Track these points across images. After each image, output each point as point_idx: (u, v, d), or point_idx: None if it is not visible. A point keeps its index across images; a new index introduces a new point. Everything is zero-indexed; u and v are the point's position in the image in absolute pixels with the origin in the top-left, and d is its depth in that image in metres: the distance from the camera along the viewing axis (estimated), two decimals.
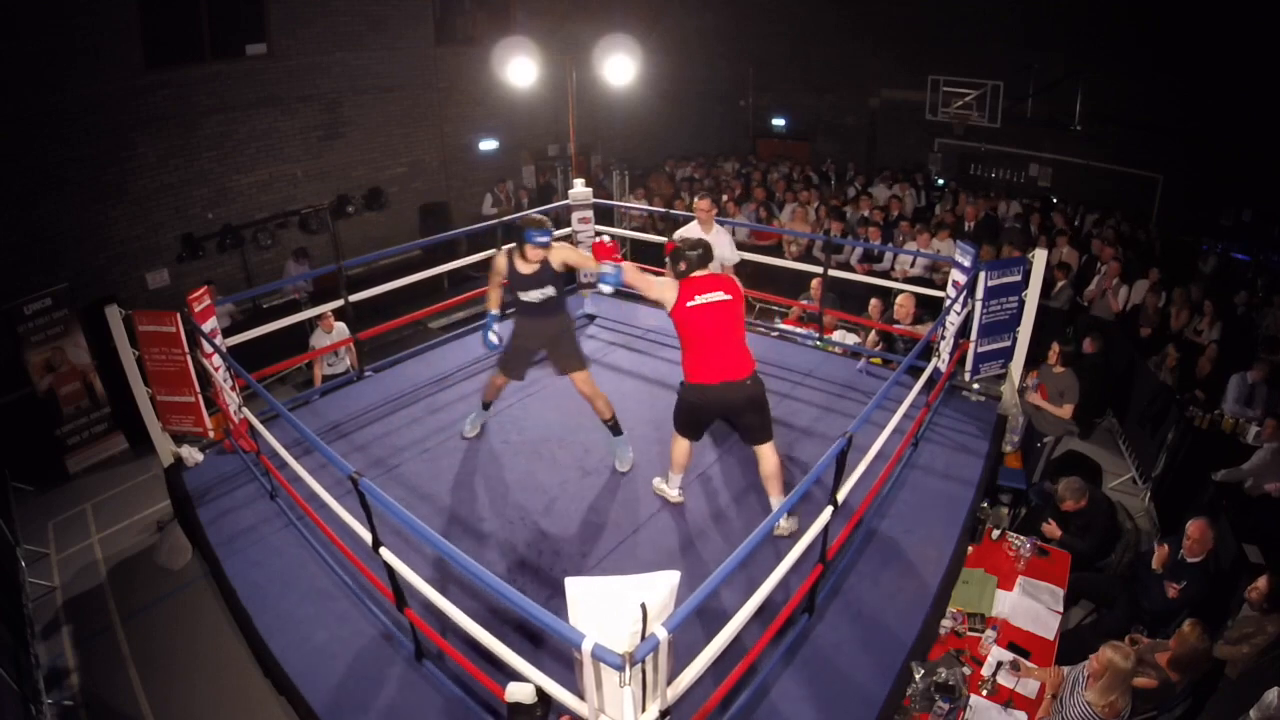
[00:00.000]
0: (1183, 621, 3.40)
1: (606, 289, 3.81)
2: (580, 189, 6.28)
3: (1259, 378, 5.57)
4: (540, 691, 2.69)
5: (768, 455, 3.53)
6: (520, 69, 6.01)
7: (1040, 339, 5.02)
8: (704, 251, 3.44)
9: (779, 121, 13.79)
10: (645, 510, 3.90)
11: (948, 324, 4.72)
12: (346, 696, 2.94)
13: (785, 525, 3.66)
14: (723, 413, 3.58)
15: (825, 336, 5.90)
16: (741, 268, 7.88)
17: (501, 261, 3.93)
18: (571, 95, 6.98)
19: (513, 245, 3.87)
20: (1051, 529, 4.26)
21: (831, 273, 5.70)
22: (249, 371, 3.77)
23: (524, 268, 3.87)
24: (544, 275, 3.87)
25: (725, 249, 4.99)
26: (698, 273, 3.42)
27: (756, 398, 3.44)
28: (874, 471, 3.59)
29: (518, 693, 2.55)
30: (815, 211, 9.50)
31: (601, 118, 11.71)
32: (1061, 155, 10.71)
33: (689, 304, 3.35)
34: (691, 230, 4.92)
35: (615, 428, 4.23)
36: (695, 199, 5.00)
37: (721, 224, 5.10)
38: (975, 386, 5.11)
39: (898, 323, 5.75)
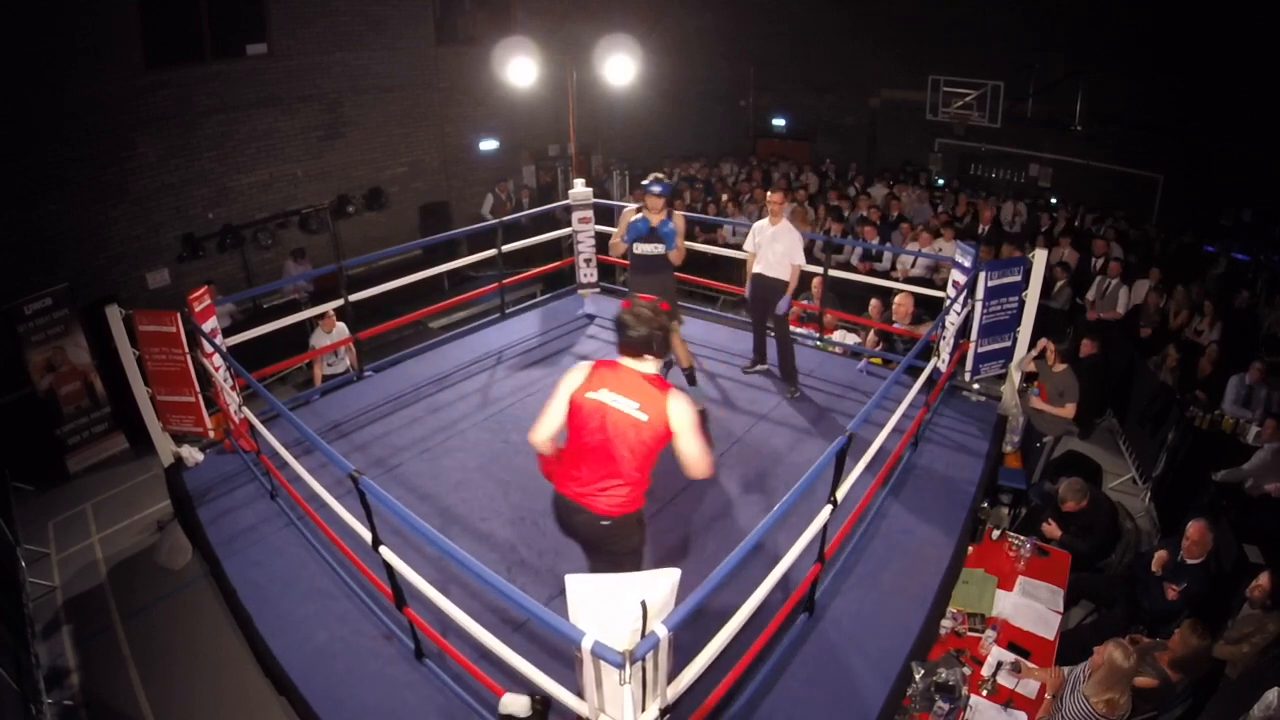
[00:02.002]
0: (1183, 622, 3.40)
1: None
2: (580, 189, 6.28)
3: (1256, 379, 5.58)
4: (535, 704, 2.63)
5: None
6: (520, 69, 6.02)
7: (1040, 339, 5.02)
8: (650, 334, 2.51)
9: (779, 121, 13.79)
10: (645, 510, 3.90)
11: (948, 324, 4.72)
12: (346, 696, 2.94)
13: None
14: (569, 535, 2.72)
15: (825, 336, 5.90)
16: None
17: (630, 211, 4.54)
18: (572, 95, 6.98)
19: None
20: (1052, 529, 4.26)
21: (831, 273, 5.71)
22: (249, 371, 3.77)
23: (653, 218, 4.40)
24: (661, 231, 4.39)
25: (788, 248, 4.72)
26: (632, 360, 2.54)
27: (603, 544, 2.59)
28: (874, 471, 3.60)
29: (511, 705, 2.51)
30: (816, 211, 9.51)
31: (601, 118, 11.70)
32: (1062, 155, 10.71)
33: (588, 394, 2.49)
34: (760, 226, 4.84)
35: (691, 378, 4.74)
36: (769, 191, 4.90)
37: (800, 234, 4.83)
38: (975, 386, 5.11)
39: (897, 323, 5.75)
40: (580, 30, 8.47)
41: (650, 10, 11.63)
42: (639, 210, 4.48)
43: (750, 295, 5.04)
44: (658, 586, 2.02)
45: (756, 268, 4.88)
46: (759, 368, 5.34)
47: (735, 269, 7.81)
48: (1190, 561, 3.80)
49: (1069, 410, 5.03)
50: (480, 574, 2.24)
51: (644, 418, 2.43)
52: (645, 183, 4.41)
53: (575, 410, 2.51)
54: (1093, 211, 9.55)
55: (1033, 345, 4.89)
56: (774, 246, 4.75)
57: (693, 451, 2.47)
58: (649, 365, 2.54)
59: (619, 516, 2.51)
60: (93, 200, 7.04)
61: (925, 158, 12.01)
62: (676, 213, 4.54)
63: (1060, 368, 5.09)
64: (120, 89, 7.00)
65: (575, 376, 2.55)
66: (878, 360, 5.68)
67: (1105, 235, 8.29)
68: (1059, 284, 7.33)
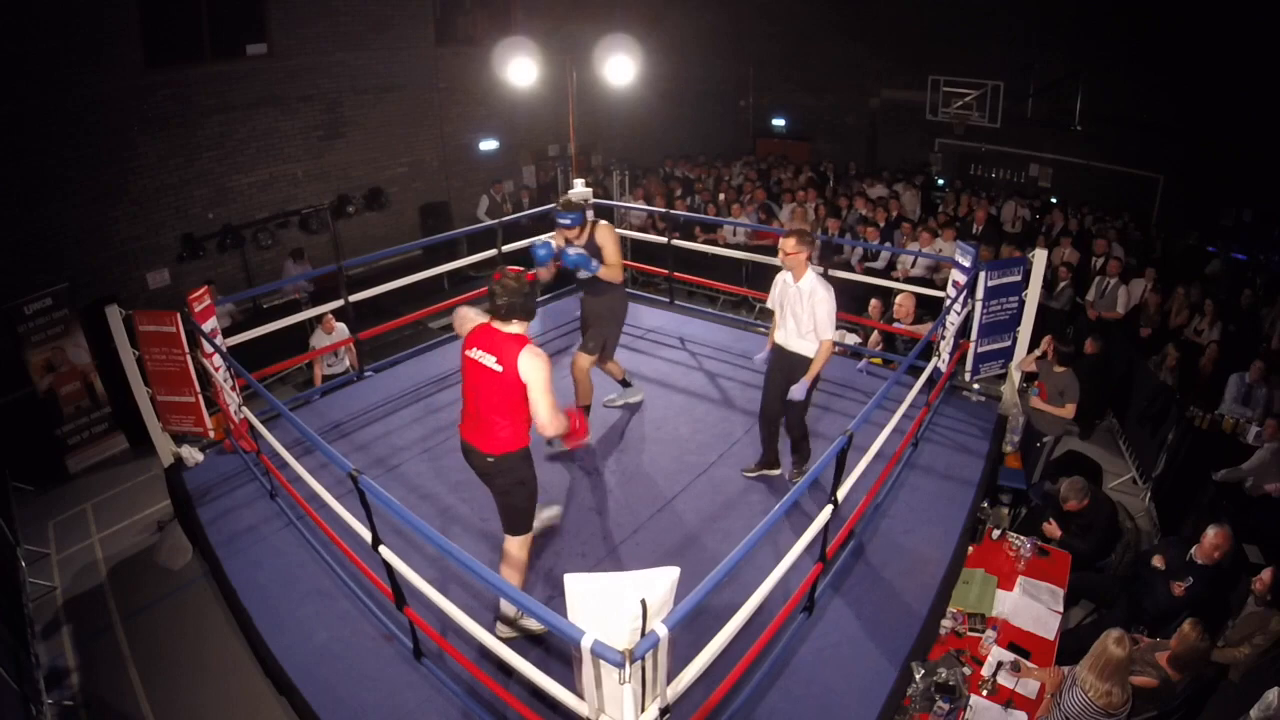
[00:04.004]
0: (1183, 621, 3.40)
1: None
2: (580, 189, 6.28)
3: (1255, 378, 5.58)
4: None
5: (507, 547, 3.09)
6: (520, 69, 6.02)
7: (1041, 339, 5.02)
8: (513, 302, 2.80)
9: (779, 121, 13.78)
10: (645, 510, 3.91)
11: (948, 324, 4.72)
12: (346, 696, 2.94)
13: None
14: (474, 471, 3.09)
15: None
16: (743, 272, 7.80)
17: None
18: (571, 95, 6.98)
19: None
20: (1052, 529, 4.26)
21: (831, 273, 5.70)
22: (249, 371, 3.77)
23: (556, 243, 4.09)
24: (566, 258, 3.98)
25: (813, 314, 3.66)
26: (500, 323, 2.85)
27: (494, 479, 2.98)
28: (874, 471, 3.60)
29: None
30: (814, 211, 9.50)
31: (601, 118, 11.70)
32: (1061, 155, 10.71)
33: (466, 352, 2.91)
34: (782, 280, 3.82)
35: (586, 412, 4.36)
36: (781, 237, 3.76)
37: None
38: (975, 386, 5.11)
39: (898, 322, 5.75)
40: (580, 30, 8.46)
41: (650, 10, 11.63)
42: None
43: (767, 369, 4.00)
44: (657, 585, 2.02)
45: (777, 335, 3.93)
46: (767, 472, 4.17)
47: (735, 269, 7.84)
48: (1200, 561, 3.79)
49: (1069, 410, 5.03)
50: (480, 573, 2.24)
51: (499, 369, 2.78)
52: (557, 212, 4.03)
53: (462, 366, 2.95)
54: (1094, 212, 9.55)
55: (1033, 345, 4.89)
56: (796, 310, 3.72)
57: (538, 404, 2.79)
58: (514, 327, 2.85)
59: (500, 454, 2.90)
60: (93, 200, 7.04)
61: (925, 158, 12.01)
62: (601, 226, 4.05)
63: (1060, 368, 5.09)
64: (120, 89, 7.00)
65: (466, 337, 2.95)
66: (878, 360, 5.68)
67: (1106, 235, 8.28)
68: (1062, 284, 7.32)
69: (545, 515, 3.66)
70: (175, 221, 7.72)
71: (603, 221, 4.12)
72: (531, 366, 2.74)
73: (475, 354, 2.85)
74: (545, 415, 2.80)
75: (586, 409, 4.33)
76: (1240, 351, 6.04)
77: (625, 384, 4.81)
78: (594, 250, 4.03)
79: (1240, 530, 4.20)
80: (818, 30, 12.26)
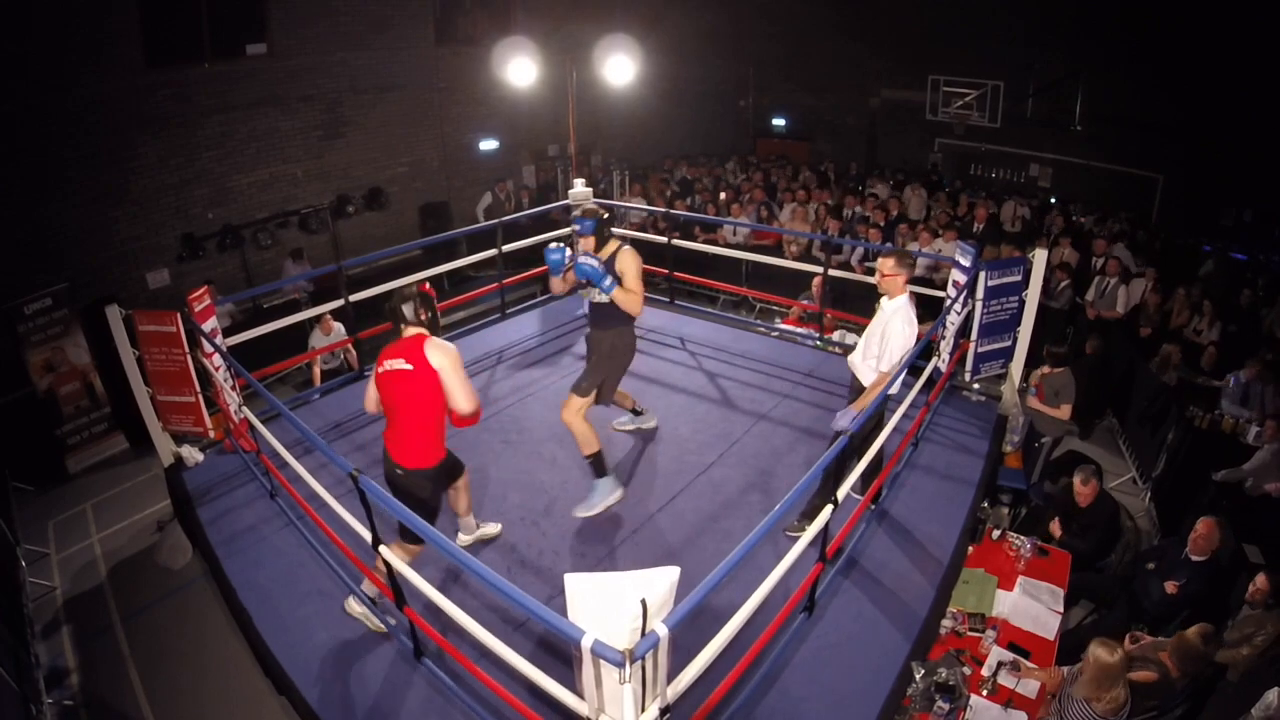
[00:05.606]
0: (1184, 622, 3.40)
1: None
2: (580, 189, 6.28)
3: (1251, 376, 5.58)
4: None
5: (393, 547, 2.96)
6: (520, 69, 6.02)
7: (1041, 339, 5.02)
8: (394, 308, 2.94)
9: (779, 121, 13.79)
10: (645, 510, 3.91)
11: (948, 324, 4.72)
12: (346, 696, 2.94)
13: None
14: (388, 484, 3.03)
15: (825, 336, 5.90)
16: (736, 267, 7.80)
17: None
18: (571, 95, 6.98)
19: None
20: (1057, 527, 4.26)
21: (831, 273, 5.70)
22: (249, 371, 3.77)
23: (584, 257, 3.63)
24: (580, 269, 3.56)
25: (881, 334, 3.50)
26: (406, 331, 2.97)
27: (399, 490, 2.95)
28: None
29: None
30: (815, 211, 9.51)
31: (601, 118, 11.71)
32: (1061, 155, 10.71)
33: (379, 369, 2.96)
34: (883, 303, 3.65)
35: (599, 467, 3.77)
36: (880, 257, 3.60)
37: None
38: (975, 386, 5.11)
39: None
40: (580, 30, 8.46)
41: (650, 10, 11.63)
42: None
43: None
44: (657, 585, 2.02)
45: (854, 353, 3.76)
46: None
47: (735, 269, 7.84)
48: (1195, 558, 3.79)
49: (1064, 411, 5.04)
50: (480, 573, 2.24)
51: (409, 367, 2.87)
52: (574, 216, 3.71)
53: (378, 385, 2.99)
54: (1094, 213, 9.55)
55: (1034, 344, 4.88)
56: (871, 328, 3.58)
57: (454, 386, 2.88)
58: (412, 330, 2.97)
59: (411, 469, 2.98)
60: (93, 200, 7.04)
61: (925, 158, 12.01)
62: (625, 251, 3.64)
63: (1058, 370, 5.10)
64: (120, 89, 7.00)
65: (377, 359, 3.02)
66: None
67: (1106, 236, 8.28)
68: (1062, 284, 7.32)
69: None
70: (175, 221, 7.72)
71: (628, 246, 3.69)
72: (438, 353, 2.85)
73: (387, 365, 2.92)
74: (461, 398, 2.88)
75: (593, 458, 3.74)
76: (1240, 352, 6.05)
77: (636, 412, 4.52)
78: (612, 272, 3.58)
79: (1240, 530, 4.20)
80: (818, 30, 12.27)
